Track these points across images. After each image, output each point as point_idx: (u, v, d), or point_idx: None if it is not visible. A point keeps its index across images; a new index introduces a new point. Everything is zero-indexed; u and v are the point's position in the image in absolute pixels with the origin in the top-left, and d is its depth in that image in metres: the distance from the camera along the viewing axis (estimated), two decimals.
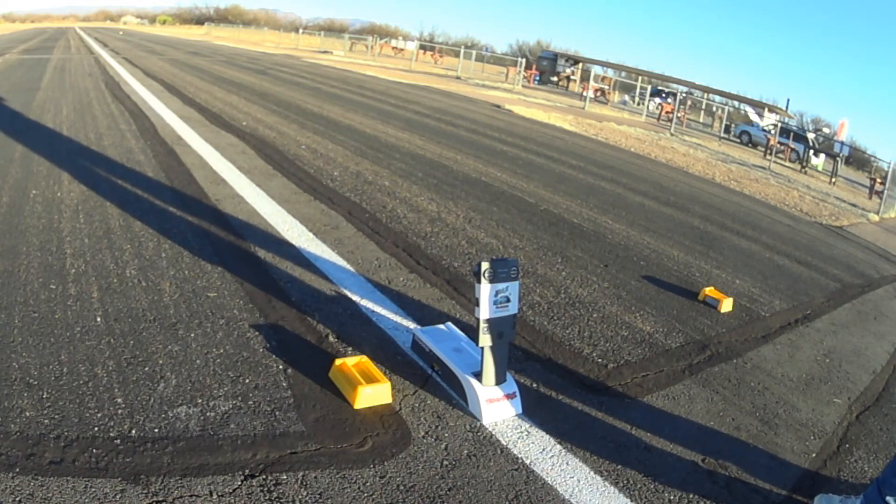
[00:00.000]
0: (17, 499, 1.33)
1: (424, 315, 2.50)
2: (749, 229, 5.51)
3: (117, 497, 1.37)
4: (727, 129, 22.47)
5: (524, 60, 28.52)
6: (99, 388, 1.75)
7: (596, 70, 29.09)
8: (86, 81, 9.59)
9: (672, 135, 15.86)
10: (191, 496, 1.40)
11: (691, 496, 1.67)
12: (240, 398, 1.79)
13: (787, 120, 27.90)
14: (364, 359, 1.99)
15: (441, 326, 2.23)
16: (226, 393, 1.81)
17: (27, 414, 1.61)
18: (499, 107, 14.14)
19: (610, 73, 34.11)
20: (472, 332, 2.25)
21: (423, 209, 4.10)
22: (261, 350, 2.07)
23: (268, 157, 5.05)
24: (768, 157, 15.31)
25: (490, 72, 32.34)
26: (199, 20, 76.84)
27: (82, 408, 1.66)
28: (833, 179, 14.87)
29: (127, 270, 2.57)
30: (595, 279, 3.29)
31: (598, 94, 25.45)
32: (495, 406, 1.86)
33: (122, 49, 20.07)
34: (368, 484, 1.52)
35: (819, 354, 2.84)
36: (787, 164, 16.69)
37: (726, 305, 3.17)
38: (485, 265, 1.79)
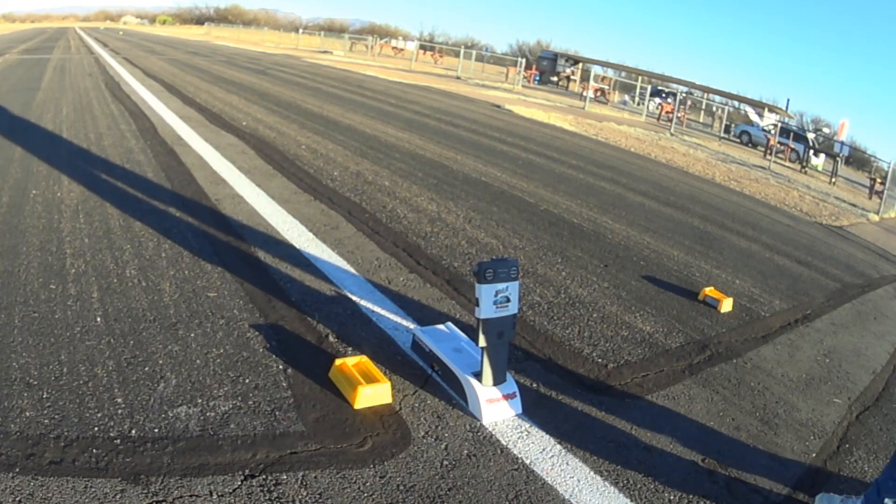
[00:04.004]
0: (17, 499, 1.33)
1: (424, 315, 2.50)
2: (749, 229, 5.51)
3: (117, 497, 1.37)
4: (727, 129, 22.47)
5: (524, 60, 28.52)
6: (99, 388, 1.75)
7: (596, 70, 29.08)
8: (85, 81, 9.59)
9: (672, 135, 15.86)
10: (191, 496, 1.40)
11: (691, 496, 1.67)
12: (240, 398, 1.79)
13: (787, 120, 27.89)
14: (364, 359, 1.99)
15: (441, 326, 2.23)
16: (226, 393, 1.81)
17: (27, 414, 1.61)
18: (499, 107, 14.14)
19: (610, 73, 34.12)
20: (472, 332, 2.25)
21: (423, 209, 4.10)
22: (261, 350, 2.07)
23: (268, 157, 5.05)
24: (768, 157, 15.31)
25: (490, 72, 32.35)
26: (199, 20, 76.86)
27: (82, 408, 1.66)
28: (833, 179, 14.87)
29: (127, 270, 2.57)
30: (595, 279, 3.29)
31: (598, 94, 25.45)
32: (495, 406, 1.86)
33: (121, 49, 20.07)
34: (368, 484, 1.52)
35: (819, 354, 2.84)
36: (787, 164, 16.69)
37: (726, 305, 3.17)
38: (485, 265, 1.79)
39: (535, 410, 1.94)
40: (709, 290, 3.26)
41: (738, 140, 22.51)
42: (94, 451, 1.50)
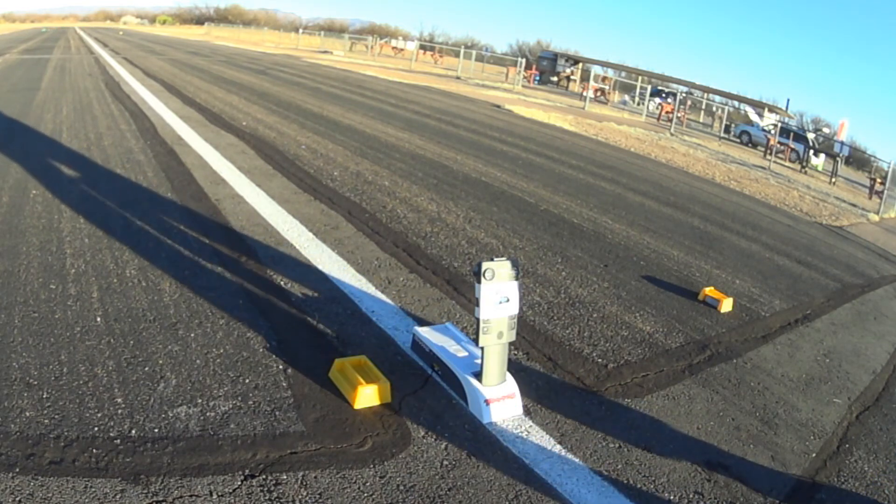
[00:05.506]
0: (17, 499, 1.33)
1: (424, 315, 2.50)
2: (749, 229, 5.51)
3: (117, 497, 1.37)
4: (727, 129, 22.46)
5: (524, 60, 28.51)
6: (99, 388, 1.76)
7: (596, 70, 29.07)
8: (86, 81, 9.60)
9: (672, 135, 15.86)
10: (191, 496, 1.40)
11: (691, 496, 1.67)
12: (240, 398, 1.79)
13: (787, 120, 27.88)
14: (364, 359, 1.99)
15: (441, 326, 2.23)
16: (226, 393, 1.81)
17: (27, 414, 1.61)
18: (499, 107, 14.14)
19: (610, 73, 34.09)
20: (472, 332, 2.26)
21: (423, 209, 4.10)
22: (261, 350, 2.07)
23: (268, 157, 5.05)
24: (768, 157, 15.31)
25: (490, 72, 32.34)
26: (199, 20, 76.85)
27: (82, 408, 1.66)
28: (833, 179, 14.87)
29: (127, 270, 2.57)
30: (595, 279, 3.29)
31: (598, 94, 25.44)
32: (495, 406, 1.86)
33: (121, 49, 20.07)
34: (368, 484, 1.52)
35: (819, 354, 2.84)
36: (787, 164, 16.69)
37: (726, 305, 3.17)
38: (485, 265, 1.79)
39: (536, 410, 1.94)
40: (709, 290, 3.26)
41: (738, 140, 22.50)
42: (94, 451, 1.50)
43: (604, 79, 29.38)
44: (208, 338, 2.10)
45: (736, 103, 29.53)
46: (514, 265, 1.85)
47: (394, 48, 38.65)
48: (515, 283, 1.85)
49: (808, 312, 3.44)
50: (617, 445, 1.83)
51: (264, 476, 1.50)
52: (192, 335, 2.11)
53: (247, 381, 1.88)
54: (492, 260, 1.81)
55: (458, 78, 24.24)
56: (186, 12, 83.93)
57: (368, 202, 4.07)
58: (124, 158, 4.53)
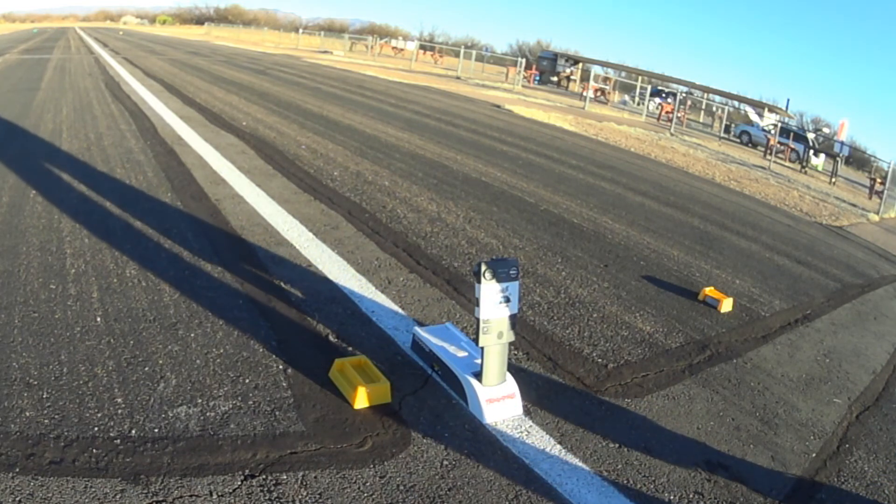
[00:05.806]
0: (17, 499, 1.33)
1: (424, 315, 2.50)
2: (749, 229, 5.51)
3: (117, 497, 1.37)
4: (727, 129, 22.45)
5: (524, 60, 28.52)
6: (99, 388, 1.76)
7: (596, 70, 29.07)
8: (86, 81, 9.60)
9: (672, 135, 15.86)
10: (191, 496, 1.40)
11: (691, 496, 1.67)
12: (240, 398, 1.79)
13: (787, 120, 27.87)
14: (364, 359, 1.99)
15: (441, 326, 2.23)
16: (226, 393, 1.81)
17: (27, 414, 1.61)
18: (499, 107, 14.14)
19: (610, 73, 34.08)
20: (472, 332, 2.26)
21: (423, 209, 4.10)
22: (261, 350, 2.07)
23: (268, 157, 5.05)
24: (768, 157, 15.31)
25: (490, 72, 32.33)
26: (199, 20, 76.83)
27: (82, 408, 1.66)
28: (833, 179, 14.86)
29: (127, 270, 2.57)
30: (595, 279, 3.29)
31: (598, 94, 25.44)
32: (495, 406, 1.86)
33: (121, 49, 20.08)
34: (368, 484, 1.52)
35: (819, 354, 2.84)
36: (787, 164, 16.69)
37: (726, 305, 3.17)
38: (485, 265, 1.79)
39: (535, 410, 1.94)
40: (709, 290, 3.26)
41: (738, 140, 22.50)
42: (94, 451, 1.50)
43: (605, 79, 29.38)
44: (208, 338, 2.10)
45: (736, 103, 29.52)
46: (515, 265, 1.85)
47: (394, 48, 38.64)
48: (515, 283, 1.85)
49: (808, 312, 3.44)
50: (617, 445, 1.83)
51: (264, 476, 1.50)
52: (192, 335, 2.11)
53: (247, 381, 1.88)
54: (492, 260, 1.81)
55: (458, 78, 24.24)
56: (186, 12, 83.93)
57: (368, 202, 4.07)
58: (124, 158, 4.53)
